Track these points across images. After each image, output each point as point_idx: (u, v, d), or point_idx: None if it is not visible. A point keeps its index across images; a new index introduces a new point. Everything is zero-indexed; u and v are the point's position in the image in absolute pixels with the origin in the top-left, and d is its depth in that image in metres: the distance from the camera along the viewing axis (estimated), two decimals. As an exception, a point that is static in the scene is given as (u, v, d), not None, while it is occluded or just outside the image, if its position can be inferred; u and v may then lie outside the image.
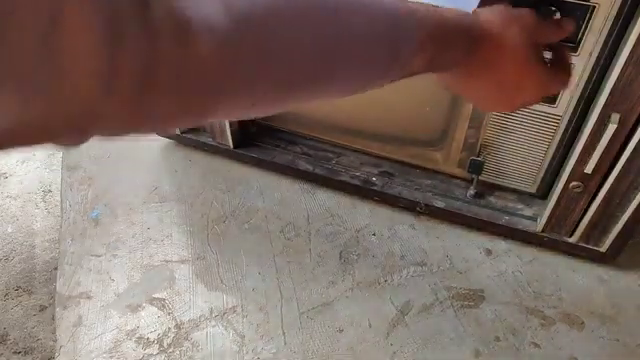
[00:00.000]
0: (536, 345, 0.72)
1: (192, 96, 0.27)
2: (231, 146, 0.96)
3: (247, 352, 0.72)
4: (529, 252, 0.83)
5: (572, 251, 0.80)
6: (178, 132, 0.98)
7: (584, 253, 0.79)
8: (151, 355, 0.72)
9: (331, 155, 0.93)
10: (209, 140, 0.98)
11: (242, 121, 0.94)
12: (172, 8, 0.25)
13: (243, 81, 0.29)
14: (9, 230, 1.03)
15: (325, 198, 0.92)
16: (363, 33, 0.35)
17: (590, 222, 0.74)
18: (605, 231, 0.75)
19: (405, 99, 0.79)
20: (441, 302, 0.77)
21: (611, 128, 0.62)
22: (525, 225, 0.81)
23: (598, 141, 0.64)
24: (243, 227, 0.88)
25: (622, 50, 0.57)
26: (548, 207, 0.76)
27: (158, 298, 0.79)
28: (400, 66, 0.40)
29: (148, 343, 0.74)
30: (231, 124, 0.92)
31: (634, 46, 0.55)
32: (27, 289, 1.06)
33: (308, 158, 0.93)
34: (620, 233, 0.73)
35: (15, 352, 0.96)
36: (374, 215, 0.89)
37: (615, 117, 0.62)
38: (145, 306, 0.78)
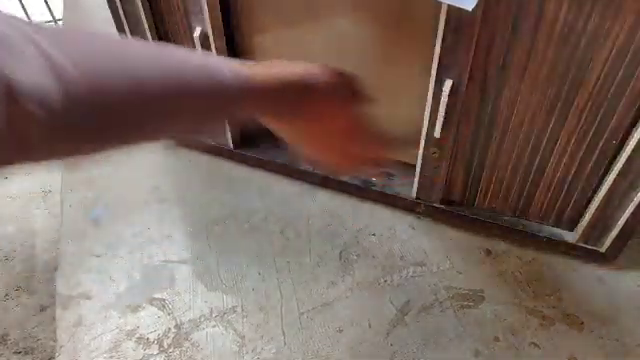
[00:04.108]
0: (536, 345, 0.72)
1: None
2: (231, 146, 0.96)
3: (247, 352, 0.72)
4: (529, 252, 0.83)
5: (572, 251, 0.80)
6: (178, 132, 0.98)
7: (584, 253, 0.79)
8: (151, 355, 0.72)
9: (331, 155, 0.93)
10: (209, 140, 0.98)
11: (242, 122, 0.94)
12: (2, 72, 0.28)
13: (71, 140, 0.34)
14: (9, 230, 1.03)
15: (325, 198, 0.92)
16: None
17: (590, 222, 0.74)
18: (605, 231, 0.75)
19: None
20: (441, 302, 0.77)
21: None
22: (525, 225, 0.81)
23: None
24: (243, 227, 0.88)
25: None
26: (548, 207, 0.76)
27: (158, 298, 0.79)
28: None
29: (148, 343, 0.74)
30: (231, 125, 0.92)
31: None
32: (27, 289, 1.06)
33: (308, 158, 0.93)
34: (620, 233, 0.73)
35: (15, 352, 0.96)
36: (374, 215, 0.89)
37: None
38: (145, 306, 0.78)
